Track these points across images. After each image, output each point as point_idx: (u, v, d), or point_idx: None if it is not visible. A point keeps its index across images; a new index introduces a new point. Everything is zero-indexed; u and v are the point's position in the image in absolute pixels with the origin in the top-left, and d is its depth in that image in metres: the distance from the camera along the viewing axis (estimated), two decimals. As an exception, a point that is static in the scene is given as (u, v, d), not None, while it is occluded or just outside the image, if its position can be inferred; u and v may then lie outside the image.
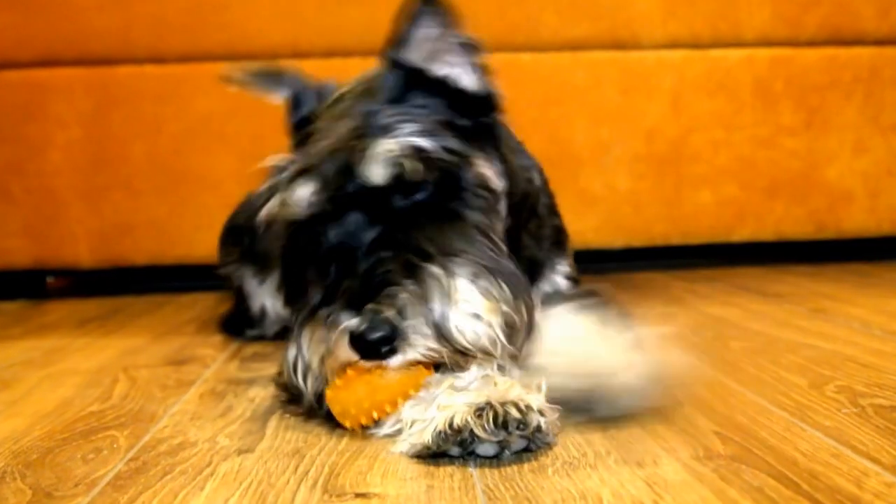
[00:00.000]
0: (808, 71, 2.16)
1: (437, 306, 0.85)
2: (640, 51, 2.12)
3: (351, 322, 0.86)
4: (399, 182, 0.91)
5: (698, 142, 2.15)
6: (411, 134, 0.92)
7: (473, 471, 0.81)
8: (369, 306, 0.85)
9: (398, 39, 0.99)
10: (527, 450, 0.84)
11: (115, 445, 0.93)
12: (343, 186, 0.91)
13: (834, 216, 2.21)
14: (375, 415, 0.90)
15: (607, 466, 0.81)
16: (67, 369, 1.33)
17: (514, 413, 0.82)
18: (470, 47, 1.00)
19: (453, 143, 0.93)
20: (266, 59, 2.06)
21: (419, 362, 0.88)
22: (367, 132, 0.92)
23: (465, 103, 1.00)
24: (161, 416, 1.04)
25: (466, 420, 0.82)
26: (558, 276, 1.21)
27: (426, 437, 0.83)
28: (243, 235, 1.50)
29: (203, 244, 2.10)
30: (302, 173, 0.94)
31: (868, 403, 0.98)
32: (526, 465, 0.82)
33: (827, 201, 2.20)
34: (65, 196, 2.08)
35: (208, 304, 1.97)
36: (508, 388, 0.86)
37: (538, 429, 0.83)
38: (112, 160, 2.07)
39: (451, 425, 0.82)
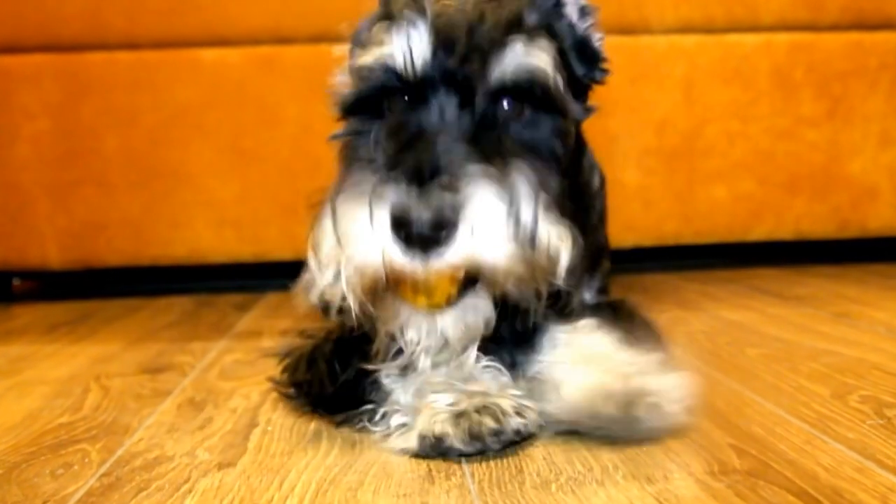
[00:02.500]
0: (830, 57, 2.16)
1: (522, 203, 0.82)
2: (649, 36, 2.12)
3: (401, 199, 0.79)
4: (512, 90, 0.92)
5: (712, 133, 2.15)
6: (549, 56, 0.94)
7: (472, 486, 0.81)
8: (432, 183, 0.79)
9: None
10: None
11: (86, 460, 0.93)
12: (451, 54, 0.89)
13: (858, 213, 2.22)
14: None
15: (615, 482, 0.81)
16: (35, 378, 1.33)
17: (490, 423, 0.88)
18: (588, 12, 1.08)
19: (567, 93, 0.97)
20: (247, 44, 2.06)
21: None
22: (507, 20, 0.93)
23: (583, 57, 1.06)
24: (136, 429, 1.04)
25: (446, 431, 0.88)
26: (585, 292, 1.20)
27: (412, 443, 0.90)
28: None
29: (181, 243, 2.10)
30: (420, 25, 0.92)
31: (895, 414, 0.98)
32: (528, 481, 0.82)
33: (850, 197, 2.21)
34: (32, 192, 2.07)
35: (186, 308, 1.97)
36: (487, 391, 0.91)
37: (517, 433, 0.90)
38: (83, 153, 2.07)
39: (433, 434, 0.88)
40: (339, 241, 0.82)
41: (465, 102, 0.90)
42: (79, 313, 1.96)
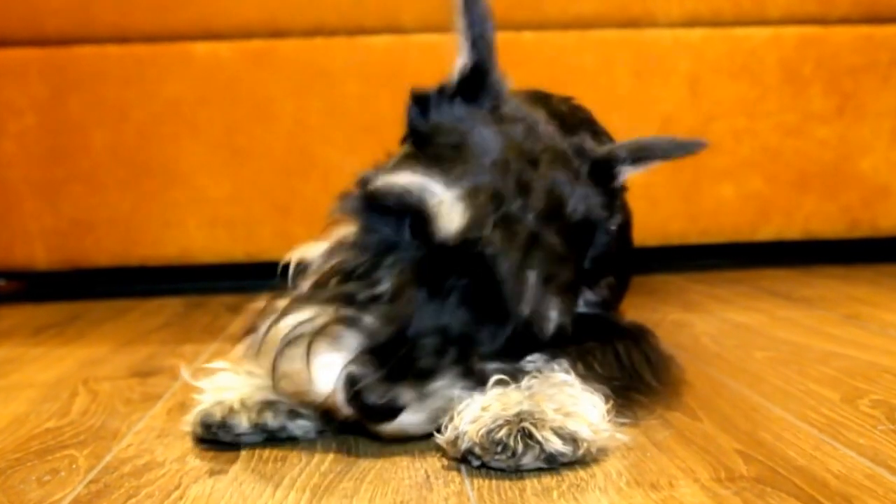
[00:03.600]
0: (840, 52, 2.16)
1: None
2: (655, 29, 2.12)
3: (365, 378, 0.86)
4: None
5: (719, 130, 2.15)
6: (560, 302, 0.97)
7: (471, 493, 0.81)
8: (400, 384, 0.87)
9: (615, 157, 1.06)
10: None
11: (73, 466, 0.93)
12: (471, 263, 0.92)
13: (868, 212, 2.22)
14: None
15: (618, 489, 0.81)
16: (21, 382, 1.33)
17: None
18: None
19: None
20: (240, 38, 2.06)
21: None
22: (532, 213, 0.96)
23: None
24: (125, 434, 1.04)
25: (483, 448, 0.85)
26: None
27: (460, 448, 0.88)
28: None
29: (171, 243, 2.10)
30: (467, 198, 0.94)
31: (906, 419, 0.98)
32: (528, 488, 0.82)
33: (861, 196, 2.21)
34: (18, 190, 2.07)
35: (176, 309, 1.97)
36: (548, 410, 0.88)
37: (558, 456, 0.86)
38: (71, 150, 2.07)
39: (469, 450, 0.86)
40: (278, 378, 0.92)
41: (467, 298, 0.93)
42: (66, 315, 1.95)
